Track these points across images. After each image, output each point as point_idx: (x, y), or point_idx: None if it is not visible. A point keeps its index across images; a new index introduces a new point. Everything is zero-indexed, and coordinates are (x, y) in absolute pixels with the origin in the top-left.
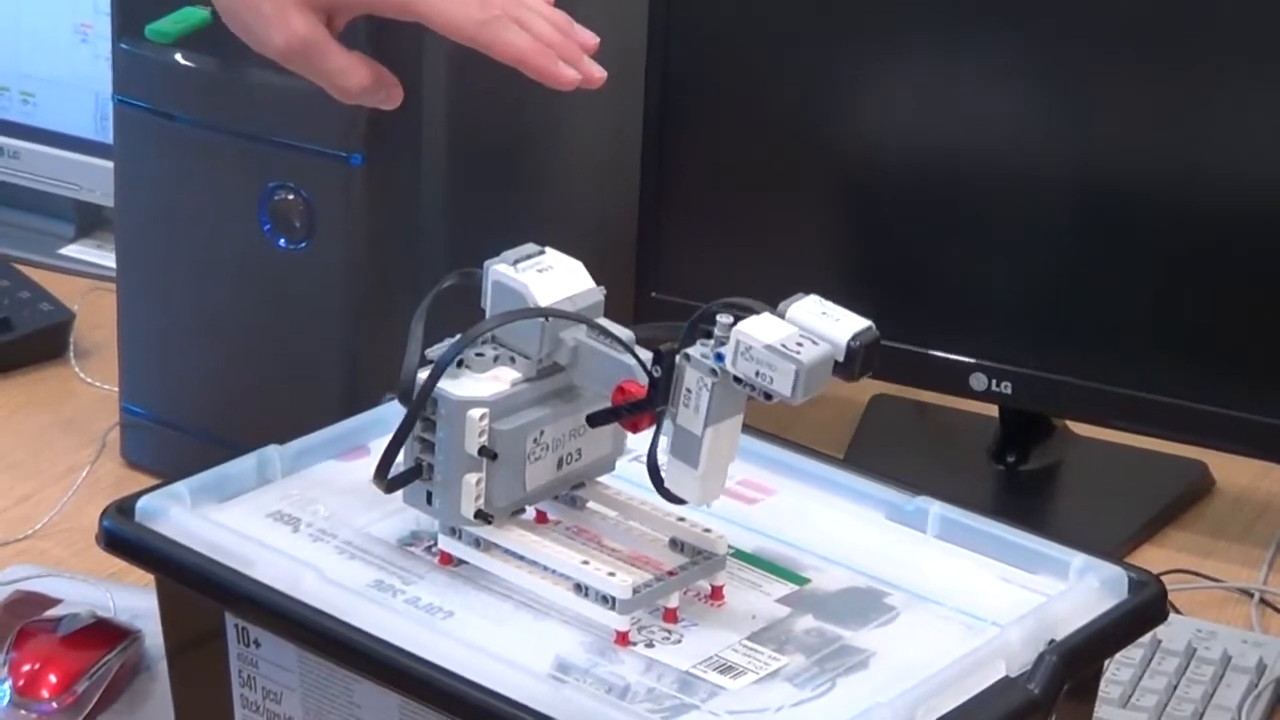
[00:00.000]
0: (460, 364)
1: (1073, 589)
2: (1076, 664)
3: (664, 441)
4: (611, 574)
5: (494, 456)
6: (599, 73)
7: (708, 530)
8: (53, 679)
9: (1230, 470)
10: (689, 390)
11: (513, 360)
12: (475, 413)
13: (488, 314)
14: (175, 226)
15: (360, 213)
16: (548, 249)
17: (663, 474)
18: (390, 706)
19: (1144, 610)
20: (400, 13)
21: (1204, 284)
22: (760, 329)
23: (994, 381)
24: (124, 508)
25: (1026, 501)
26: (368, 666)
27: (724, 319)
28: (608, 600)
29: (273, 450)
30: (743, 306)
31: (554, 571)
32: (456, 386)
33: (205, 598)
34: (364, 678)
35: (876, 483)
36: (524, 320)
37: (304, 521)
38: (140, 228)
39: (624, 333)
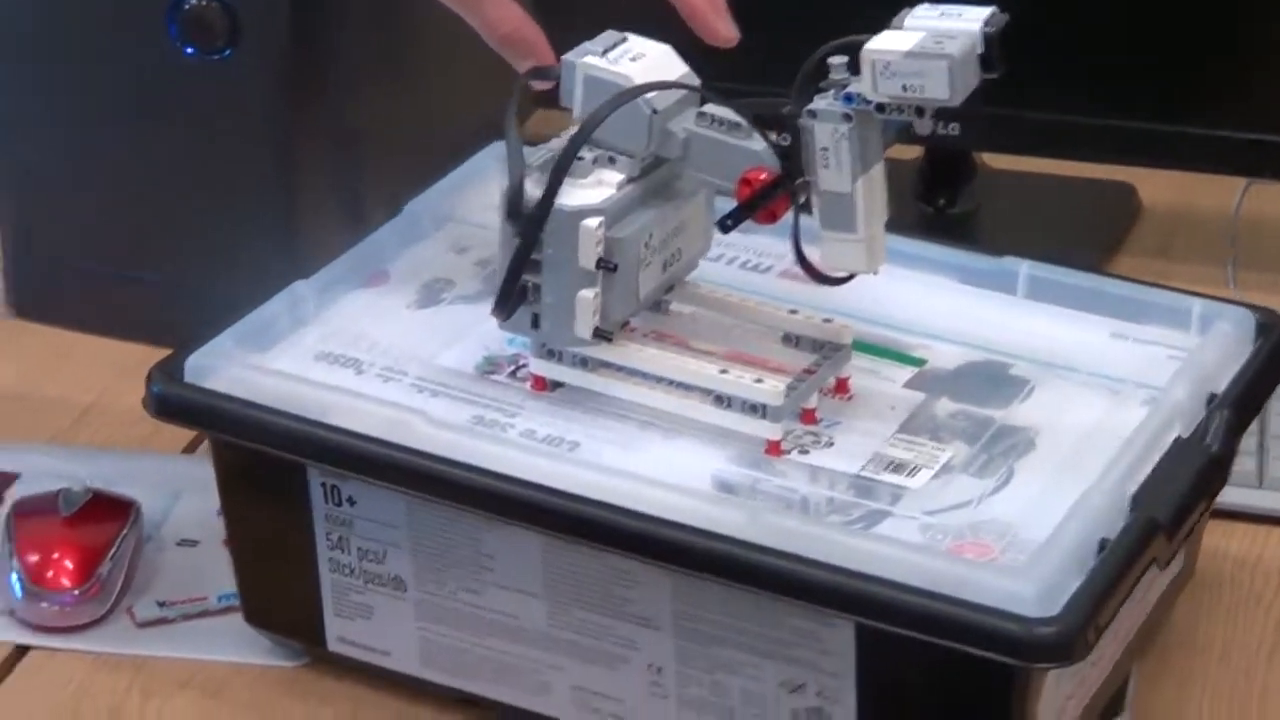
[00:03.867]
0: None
1: (1210, 338)
2: (1246, 416)
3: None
4: (759, 380)
5: (613, 268)
6: (735, 34)
7: (827, 320)
8: (69, 565)
9: (1151, 188)
10: (824, 149)
11: (611, 160)
12: (590, 222)
13: (576, 112)
14: (54, 50)
15: (290, 11)
16: (628, 34)
17: (807, 257)
18: (530, 550)
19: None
20: None
21: None
22: (891, 42)
23: (940, 124)
24: (168, 369)
25: (965, 245)
26: (509, 509)
27: (837, 61)
28: (756, 409)
29: (302, 286)
30: (850, 43)
31: (681, 385)
32: (561, 195)
33: (287, 455)
34: (502, 522)
35: (943, 246)
36: (628, 113)
37: (363, 361)
38: (8, 64)
39: (737, 117)
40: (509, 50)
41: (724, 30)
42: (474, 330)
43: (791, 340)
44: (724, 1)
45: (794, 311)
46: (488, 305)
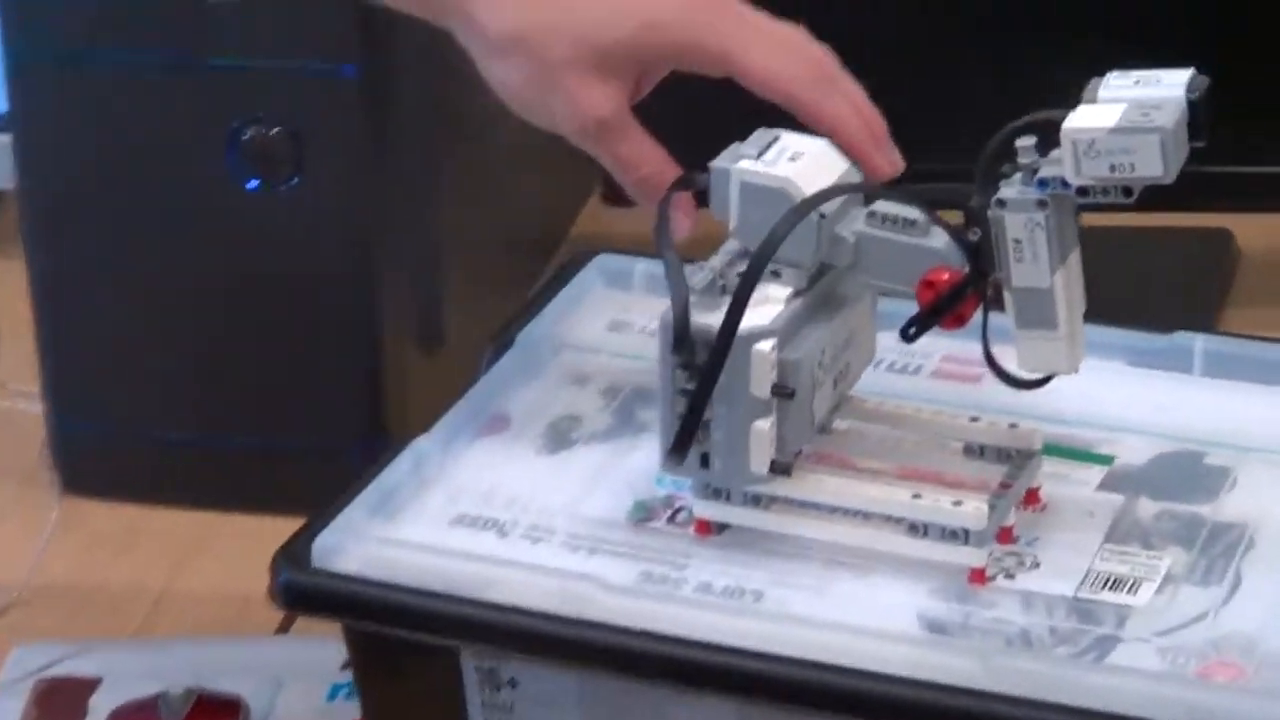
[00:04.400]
0: (720, 289)
1: None
2: None
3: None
4: (957, 503)
5: (790, 394)
6: (900, 162)
7: (1013, 424)
8: None
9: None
10: (1017, 241)
11: (775, 274)
12: (764, 346)
13: (734, 223)
14: (106, 196)
15: (360, 133)
16: (780, 131)
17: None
18: (724, 717)
19: None
20: (717, 66)
21: None
22: (1091, 118)
23: None
24: (294, 554)
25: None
26: (700, 677)
27: (1024, 142)
28: (957, 535)
29: (424, 442)
30: (1037, 121)
31: (867, 515)
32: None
33: (440, 640)
34: (692, 692)
35: (1105, 326)
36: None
37: (504, 521)
38: (52, 208)
39: (913, 211)
40: (644, 192)
41: (885, 164)
42: (614, 473)
43: (975, 451)
44: (884, 128)
45: (975, 419)
46: (623, 443)
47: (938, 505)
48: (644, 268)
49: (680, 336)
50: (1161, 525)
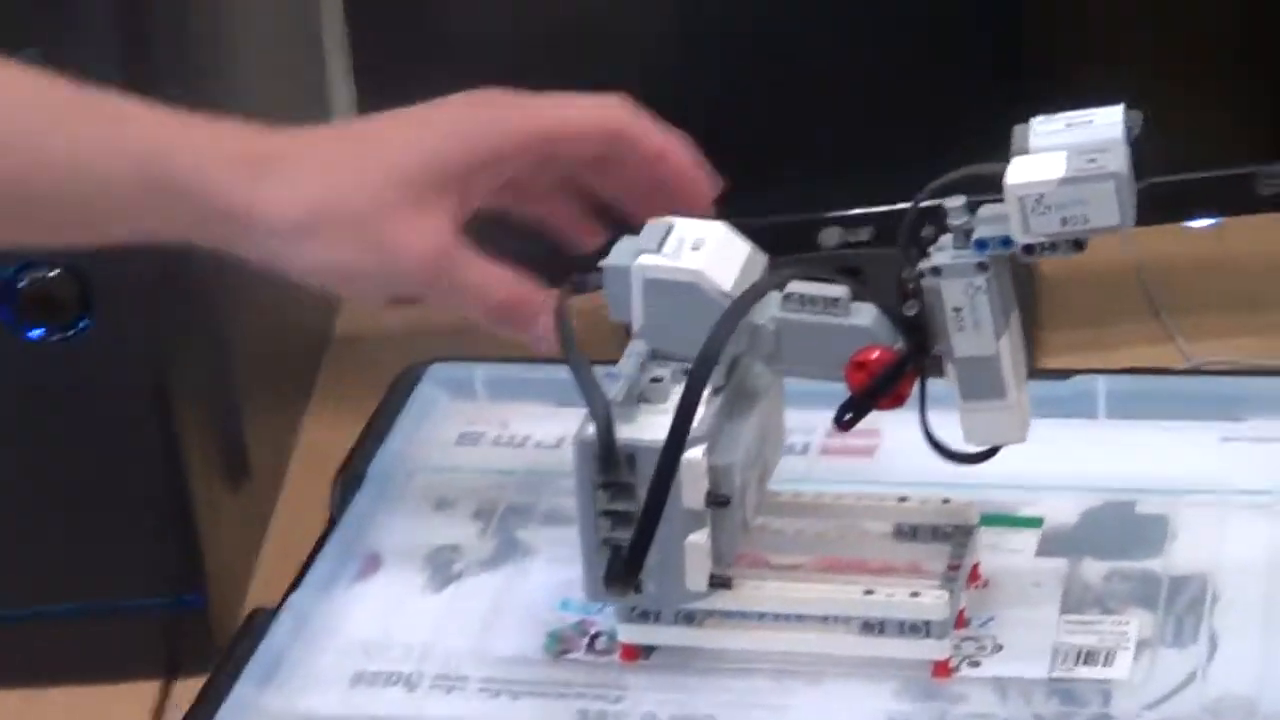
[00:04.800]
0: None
1: None
2: None
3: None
4: (914, 594)
5: (726, 502)
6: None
7: (946, 500)
8: None
9: None
10: (956, 309)
11: (688, 374)
12: (694, 454)
13: (639, 324)
14: None
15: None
16: (671, 218)
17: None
18: None
19: None
20: (534, 139)
21: None
22: (1034, 170)
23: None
24: None
25: None
26: None
27: (953, 202)
28: (917, 628)
29: (300, 597)
30: (966, 179)
31: (814, 618)
32: (647, 428)
33: None
34: None
35: None
36: (706, 314)
37: (409, 673)
38: None
39: (834, 289)
40: (505, 318)
41: (711, 187)
42: (512, 604)
43: (906, 532)
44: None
45: (904, 499)
46: (511, 569)
47: (893, 599)
48: (484, 373)
49: (608, 455)
50: (1115, 587)
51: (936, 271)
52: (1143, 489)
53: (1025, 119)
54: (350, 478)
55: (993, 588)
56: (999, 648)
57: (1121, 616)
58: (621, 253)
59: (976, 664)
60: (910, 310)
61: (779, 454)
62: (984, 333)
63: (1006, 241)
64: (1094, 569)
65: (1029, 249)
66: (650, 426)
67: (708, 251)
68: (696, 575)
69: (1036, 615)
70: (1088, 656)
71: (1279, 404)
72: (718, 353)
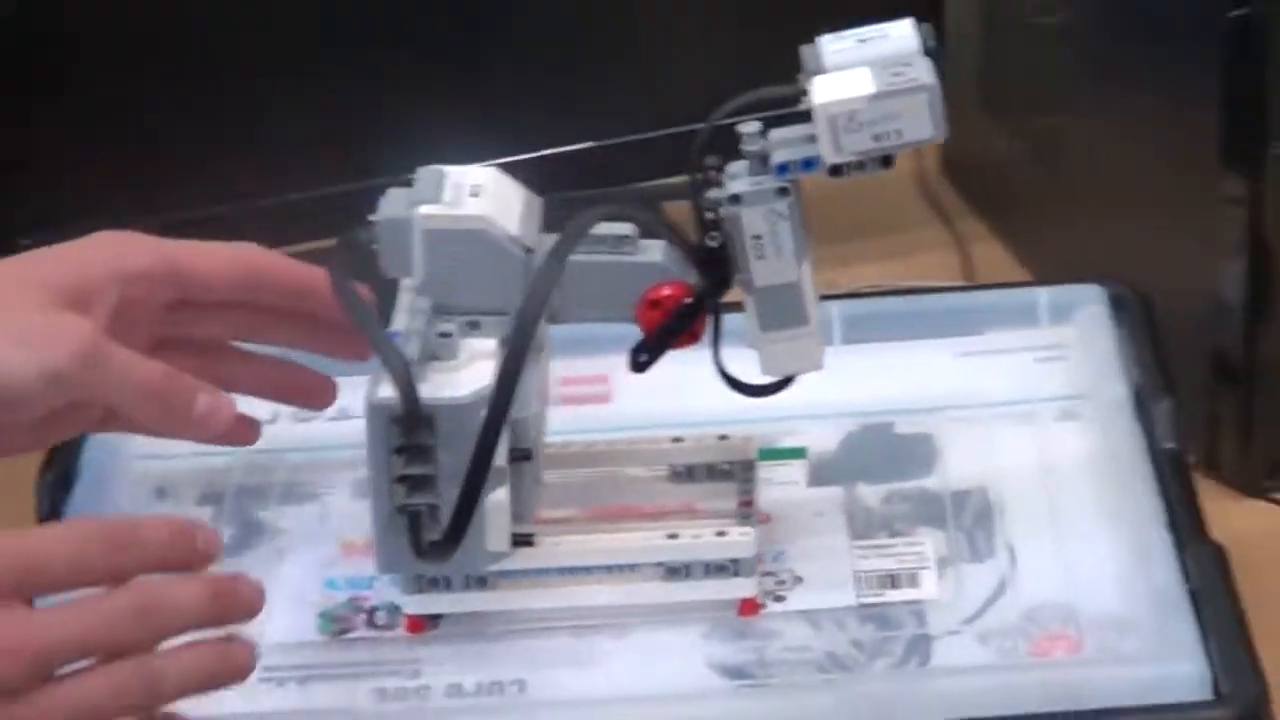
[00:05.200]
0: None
1: (1078, 327)
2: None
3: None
4: (721, 534)
5: (528, 457)
6: None
7: (723, 437)
8: None
9: None
10: (758, 237)
11: (473, 326)
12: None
13: (421, 278)
14: None
15: None
16: (443, 168)
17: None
18: None
19: (1148, 315)
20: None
21: None
22: (840, 89)
23: None
24: None
25: None
26: None
27: (749, 128)
28: (724, 568)
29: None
30: (755, 101)
31: (611, 569)
32: (445, 386)
33: None
34: None
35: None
36: (493, 262)
37: None
38: None
39: (623, 227)
40: (162, 398)
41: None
42: (273, 587)
43: (682, 474)
44: None
45: (679, 439)
46: (261, 552)
47: (700, 541)
48: None
49: (412, 417)
50: (897, 509)
51: (736, 199)
52: (897, 410)
53: None
54: (58, 477)
55: (776, 522)
56: (799, 580)
57: (912, 537)
58: (395, 204)
59: (781, 599)
60: (714, 241)
61: (546, 406)
62: (785, 259)
63: (808, 164)
64: (870, 493)
65: (836, 169)
66: (447, 385)
67: (488, 197)
68: (498, 535)
69: (827, 544)
70: (892, 580)
71: (1011, 316)
72: (543, 303)
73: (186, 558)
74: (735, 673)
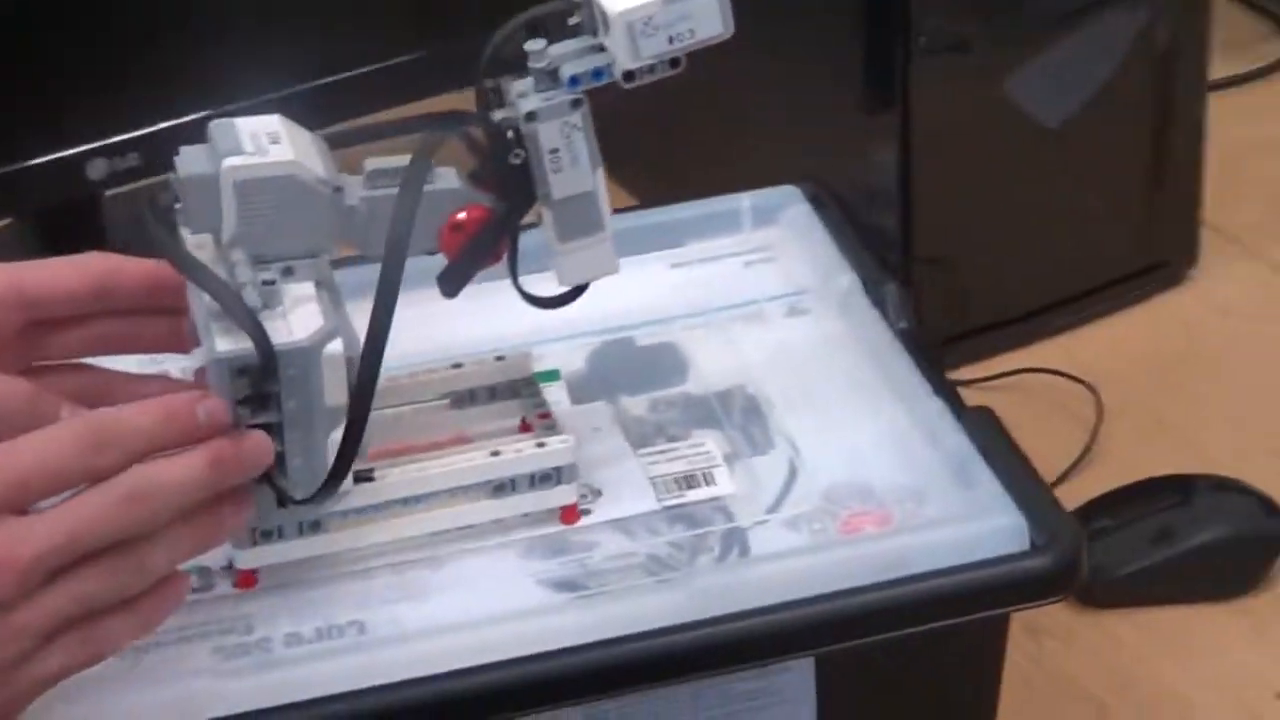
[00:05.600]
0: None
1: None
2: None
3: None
4: (541, 444)
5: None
6: None
7: (500, 358)
8: None
9: None
10: (555, 151)
11: (289, 273)
12: (335, 349)
13: (233, 230)
14: None
15: None
16: (232, 120)
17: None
18: None
19: (846, 210)
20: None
21: None
22: None
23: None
24: None
25: None
26: None
27: (535, 45)
28: (548, 478)
29: None
30: (529, 21)
31: (445, 494)
32: (281, 332)
33: None
34: None
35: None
36: (302, 205)
37: None
38: None
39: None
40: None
41: None
42: None
43: (464, 398)
44: None
45: (459, 365)
46: None
47: (524, 454)
48: None
49: (268, 364)
50: (667, 415)
51: (532, 116)
52: (632, 325)
53: None
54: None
55: (559, 440)
56: (598, 493)
57: (691, 440)
58: (196, 161)
59: (588, 512)
60: (518, 159)
61: None
62: (581, 169)
63: (598, 74)
64: (634, 404)
65: (629, 75)
66: (283, 330)
67: (287, 142)
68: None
69: (613, 455)
70: (688, 480)
71: (717, 224)
72: (407, 236)
73: (185, 434)
74: (567, 585)
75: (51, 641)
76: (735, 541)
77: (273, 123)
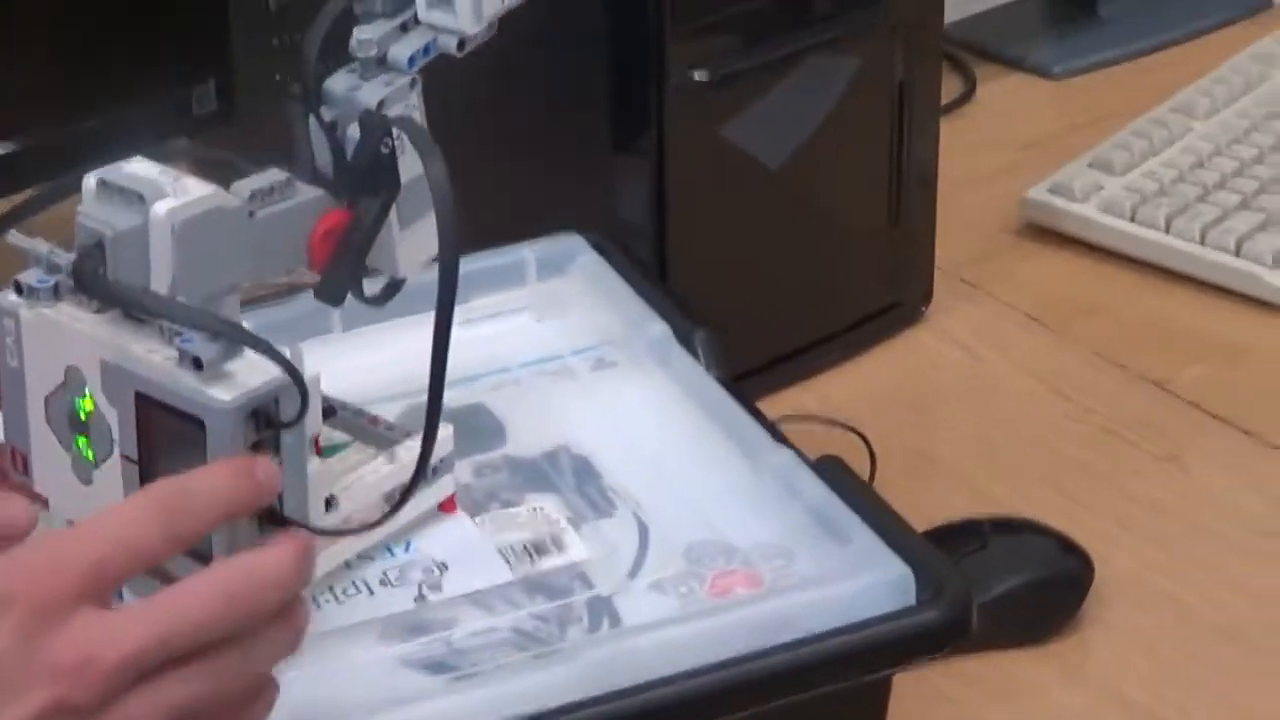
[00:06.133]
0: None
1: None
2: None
3: None
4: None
5: (334, 412)
6: None
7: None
8: None
9: None
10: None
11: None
12: (313, 372)
13: (171, 277)
14: None
15: None
16: (99, 172)
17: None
18: None
19: (632, 256)
20: None
21: None
22: None
23: None
24: None
25: None
26: None
27: (365, 34)
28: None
29: None
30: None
31: None
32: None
33: None
34: None
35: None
36: (226, 237)
37: None
38: None
39: (274, 174)
40: None
41: None
42: None
43: None
44: None
45: None
46: None
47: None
48: None
49: (303, 394)
50: (496, 480)
51: (381, 104)
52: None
53: None
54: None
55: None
56: (444, 566)
57: (529, 505)
58: (114, 216)
59: (438, 589)
60: (387, 148)
61: None
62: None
63: (427, 50)
64: (459, 470)
65: (461, 45)
66: (259, 368)
67: (186, 177)
68: (318, 504)
69: (447, 525)
70: (537, 548)
71: (492, 278)
72: (458, 254)
73: (255, 496)
74: (437, 667)
75: None
76: (603, 610)
77: (144, 165)
